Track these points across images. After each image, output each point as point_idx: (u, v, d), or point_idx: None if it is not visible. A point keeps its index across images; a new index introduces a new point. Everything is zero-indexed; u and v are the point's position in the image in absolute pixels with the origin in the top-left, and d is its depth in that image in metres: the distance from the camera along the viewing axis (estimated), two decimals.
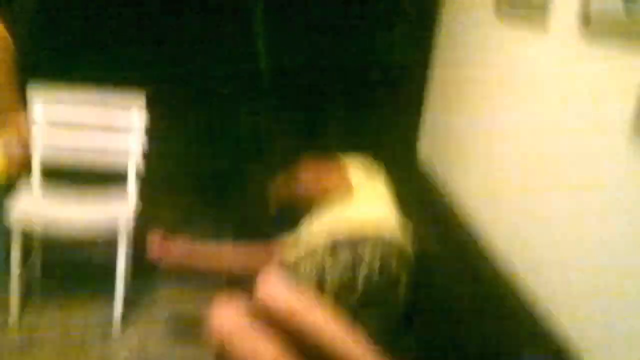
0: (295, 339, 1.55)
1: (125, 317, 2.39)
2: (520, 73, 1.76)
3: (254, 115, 2.85)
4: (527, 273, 1.59)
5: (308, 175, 2.19)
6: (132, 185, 2.53)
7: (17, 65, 2.24)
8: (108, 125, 2.54)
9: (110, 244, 2.34)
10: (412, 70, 2.68)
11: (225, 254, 2.07)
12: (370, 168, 2.23)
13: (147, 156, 2.53)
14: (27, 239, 2.37)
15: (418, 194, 2.30)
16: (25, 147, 1.86)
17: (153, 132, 2.54)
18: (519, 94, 1.76)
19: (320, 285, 1.66)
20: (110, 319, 2.36)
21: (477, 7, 2.13)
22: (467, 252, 1.84)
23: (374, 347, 1.55)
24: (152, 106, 2.53)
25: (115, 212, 2.36)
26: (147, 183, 2.56)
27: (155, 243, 2.03)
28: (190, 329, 2.37)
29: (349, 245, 1.76)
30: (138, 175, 2.54)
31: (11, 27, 2.22)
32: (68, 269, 2.68)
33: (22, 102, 2.36)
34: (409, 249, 1.89)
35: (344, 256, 1.73)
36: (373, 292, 1.73)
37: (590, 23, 1.36)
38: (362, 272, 1.71)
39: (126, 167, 2.53)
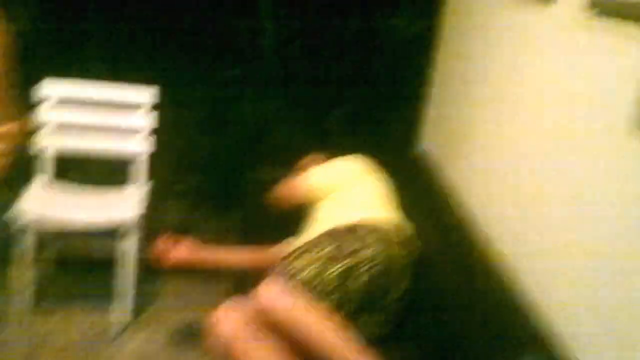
0: (297, 344, 1.56)
1: (128, 321, 2.39)
2: (526, 60, 1.74)
3: (259, 101, 2.83)
4: (527, 273, 1.58)
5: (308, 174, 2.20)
6: (139, 186, 2.52)
7: (22, 61, 2.23)
8: (116, 122, 2.52)
9: (114, 247, 2.33)
10: (416, 60, 2.66)
11: (231, 255, 2.09)
12: (370, 166, 2.22)
13: (154, 153, 2.54)
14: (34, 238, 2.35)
15: (419, 190, 2.29)
16: (11, 140, 1.82)
17: (160, 129, 2.54)
18: (523, 88, 1.74)
19: (321, 290, 1.67)
20: (113, 323, 2.36)
21: None
22: (467, 250, 1.83)
23: (372, 351, 1.56)
24: (161, 101, 2.51)
25: (122, 212, 2.32)
26: (154, 180, 2.54)
27: (162, 245, 2.04)
28: (193, 334, 2.37)
29: (350, 246, 1.75)
30: (146, 171, 2.52)
31: (17, 25, 2.20)
32: (71, 272, 2.65)
33: (21, 99, 2.33)
34: (409, 248, 1.88)
35: (345, 258, 1.72)
36: (373, 295, 1.72)
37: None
38: (363, 274, 1.71)
39: (134, 164, 2.52)
